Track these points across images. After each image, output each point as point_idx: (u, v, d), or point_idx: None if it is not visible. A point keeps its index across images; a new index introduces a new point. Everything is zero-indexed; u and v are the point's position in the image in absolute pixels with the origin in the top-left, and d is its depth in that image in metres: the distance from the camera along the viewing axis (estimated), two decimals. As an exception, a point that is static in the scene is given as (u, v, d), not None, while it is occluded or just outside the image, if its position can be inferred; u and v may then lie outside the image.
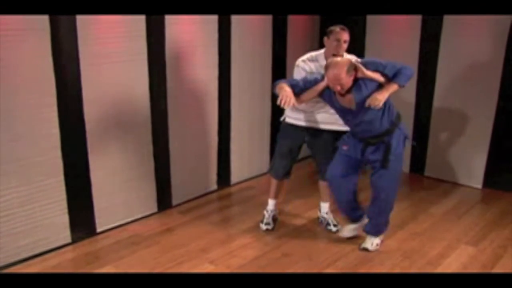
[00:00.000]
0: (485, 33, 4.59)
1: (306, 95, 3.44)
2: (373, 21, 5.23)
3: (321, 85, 3.37)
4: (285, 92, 3.31)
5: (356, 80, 3.26)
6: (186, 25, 4.15)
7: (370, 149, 3.46)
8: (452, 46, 4.80)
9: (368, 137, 3.43)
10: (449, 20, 4.76)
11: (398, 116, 3.47)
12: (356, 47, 5.27)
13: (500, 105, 4.64)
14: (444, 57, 4.87)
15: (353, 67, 3.22)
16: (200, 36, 4.28)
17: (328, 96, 3.41)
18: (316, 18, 5.43)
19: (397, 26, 5.10)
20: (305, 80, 3.47)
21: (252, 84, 4.92)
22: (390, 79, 3.27)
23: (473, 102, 4.79)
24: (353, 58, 3.63)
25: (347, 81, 3.21)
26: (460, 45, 4.75)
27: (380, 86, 3.29)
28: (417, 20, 4.93)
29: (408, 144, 3.61)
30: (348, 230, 3.87)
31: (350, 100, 3.31)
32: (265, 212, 4.11)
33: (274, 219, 4.11)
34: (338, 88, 3.22)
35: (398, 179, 3.62)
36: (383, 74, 3.27)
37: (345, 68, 3.17)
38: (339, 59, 3.26)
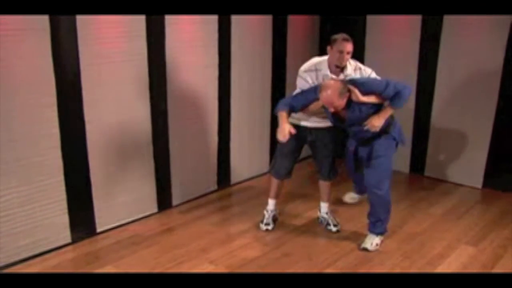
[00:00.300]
0: (485, 33, 4.59)
1: (312, 107, 3.54)
2: (373, 21, 5.23)
3: (321, 102, 3.44)
4: (281, 126, 3.43)
5: (351, 101, 3.36)
6: (186, 25, 4.15)
7: (360, 148, 3.65)
8: (452, 46, 4.80)
9: (359, 138, 3.61)
10: (449, 20, 4.76)
11: (391, 123, 3.56)
12: (356, 47, 5.26)
13: (500, 105, 4.64)
14: (444, 57, 4.87)
15: (347, 89, 3.30)
16: (200, 36, 4.28)
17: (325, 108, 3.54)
18: (316, 18, 5.43)
19: (397, 26, 5.10)
20: (304, 97, 3.53)
21: (252, 84, 4.91)
22: (388, 99, 3.37)
23: (473, 102, 4.79)
24: (356, 64, 3.66)
25: (340, 103, 3.31)
26: (460, 45, 4.75)
27: (374, 106, 3.40)
28: (417, 20, 4.93)
29: (401, 146, 3.70)
30: (349, 197, 4.51)
31: (344, 117, 3.47)
32: (265, 212, 4.11)
33: (274, 219, 4.10)
34: (332, 110, 3.34)
35: (387, 178, 3.63)
36: (381, 95, 3.35)
37: (337, 93, 3.25)
38: (332, 82, 3.32)
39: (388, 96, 3.34)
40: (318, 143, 3.85)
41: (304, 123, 3.78)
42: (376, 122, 3.38)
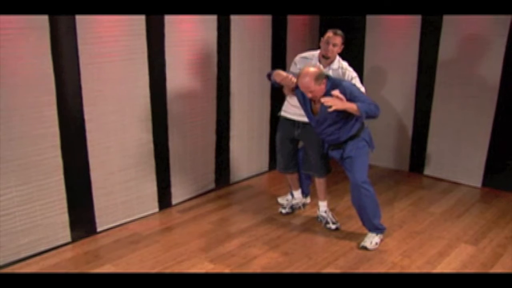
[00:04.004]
0: (484, 32, 4.60)
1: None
2: (373, 21, 5.23)
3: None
4: (285, 78, 3.56)
5: (329, 93, 3.43)
6: (186, 24, 4.15)
7: (330, 152, 3.78)
8: (451, 45, 4.80)
9: (329, 143, 3.72)
10: (449, 20, 4.76)
11: (361, 129, 3.64)
12: (356, 47, 5.29)
13: (499, 104, 4.63)
14: (444, 56, 4.87)
15: (323, 77, 3.39)
16: (199, 34, 4.29)
17: (302, 98, 3.61)
18: (316, 18, 5.43)
19: (397, 26, 5.11)
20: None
21: (251, 83, 4.92)
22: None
23: (472, 101, 4.79)
24: (343, 64, 3.78)
25: (317, 89, 3.38)
26: (459, 44, 4.75)
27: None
28: (417, 20, 4.93)
29: (371, 152, 3.78)
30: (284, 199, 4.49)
31: (317, 110, 3.57)
32: (289, 196, 4.36)
33: (294, 207, 4.32)
34: (310, 95, 3.42)
35: (366, 173, 3.66)
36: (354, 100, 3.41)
37: (313, 78, 3.34)
38: (310, 69, 3.41)
39: (359, 100, 3.37)
40: (304, 138, 3.95)
41: (290, 116, 3.93)
42: (337, 100, 3.27)
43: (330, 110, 3.28)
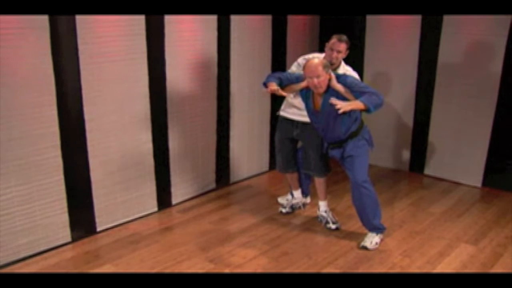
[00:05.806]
0: (485, 32, 4.60)
1: (289, 88, 3.68)
2: (373, 21, 5.23)
3: (302, 84, 3.58)
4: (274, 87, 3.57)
5: (329, 87, 3.47)
6: (186, 24, 4.15)
7: (330, 151, 3.78)
8: (451, 45, 4.80)
9: (329, 141, 3.71)
10: (449, 19, 4.76)
11: (361, 127, 3.65)
12: (356, 47, 5.30)
13: (499, 104, 4.63)
14: (444, 56, 4.87)
15: (328, 67, 3.47)
16: (199, 34, 4.29)
17: (305, 95, 3.63)
18: (316, 18, 5.43)
19: (397, 26, 5.11)
20: (293, 76, 3.71)
21: (252, 83, 4.91)
22: (356, 97, 3.39)
23: (472, 101, 4.79)
24: (347, 69, 3.77)
25: (324, 75, 3.40)
26: (459, 44, 4.75)
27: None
28: (417, 20, 4.93)
29: (370, 150, 3.77)
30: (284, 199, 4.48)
31: (318, 108, 3.56)
32: (289, 196, 4.36)
33: (294, 207, 4.32)
34: (315, 81, 3.40)
35: (367, 173, 3.66)
36: (353, 90, 3.42)
37: (321, 64, 3.41)
38: (317, 58, 3.50)
39: (359, 90, 3.38)
40: (303, 138, 3.95)
41: (289, 116, 3.93)
42: (344, 104, 3.30)
43: (340, 112, 3.29)
